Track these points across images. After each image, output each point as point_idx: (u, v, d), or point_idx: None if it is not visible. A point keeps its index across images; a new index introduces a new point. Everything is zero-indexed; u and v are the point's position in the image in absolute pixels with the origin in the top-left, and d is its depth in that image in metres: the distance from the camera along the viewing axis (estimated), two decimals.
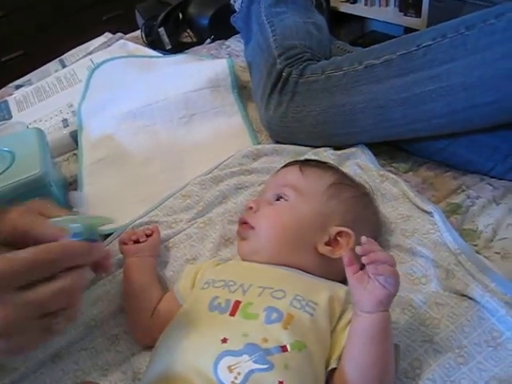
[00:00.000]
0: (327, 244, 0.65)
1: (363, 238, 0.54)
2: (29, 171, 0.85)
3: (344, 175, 0.75)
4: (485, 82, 0.77)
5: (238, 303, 0.57)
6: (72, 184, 1.04)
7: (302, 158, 0.87)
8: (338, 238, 0.65)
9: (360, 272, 0.53)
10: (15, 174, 0.85)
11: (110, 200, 0.96)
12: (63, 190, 0.99)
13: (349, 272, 0.54)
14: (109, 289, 0.74)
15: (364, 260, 0.52)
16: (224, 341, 0.53)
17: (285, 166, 0.78)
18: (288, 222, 0.66)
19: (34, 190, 0.85)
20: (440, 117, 0.83)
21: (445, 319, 0.62)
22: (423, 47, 0.82)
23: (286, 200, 0.68)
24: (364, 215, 0.70)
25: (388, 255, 0.53)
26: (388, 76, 0.85)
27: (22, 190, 0.84)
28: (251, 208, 0.69)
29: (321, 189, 0.69)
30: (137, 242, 0.75)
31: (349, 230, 0.64)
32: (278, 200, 0.69)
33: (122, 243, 0.75)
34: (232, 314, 0.56)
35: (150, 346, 0.67)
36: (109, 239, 0.84)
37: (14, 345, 0.44)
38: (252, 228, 0.68)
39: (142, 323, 0.67)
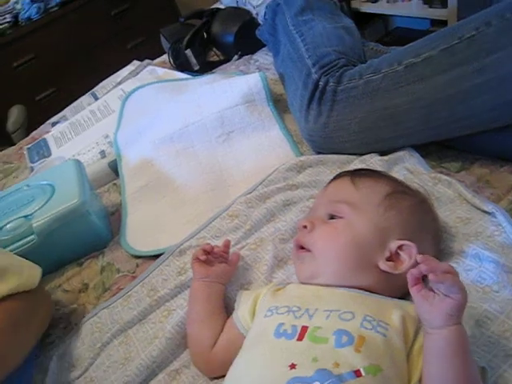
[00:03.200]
0: (389, 259, 0.61)
1: (419, 257, 0.51)
2: (68, 201, 0.87)
3: (398, 182, 0.71)
4: None
5: (305, 328, 0.54)
6: (114, 214, 1.04)
7: (351, 168, 0.84)
8: (399, 252, 0.61)
9: (424, 289, 0.51)
10: (55, 206, 0.87)
11: (156, 224, 0.96)
12: (104, 220, 0.99)
13: (414, 291, 0.52)
14: (164, 325, 0.73)
15: (422, 268, 0.50)
16: (292, 366, 0.50)
17: (334, 178, 0.74)
18: (346, 242, 0.62)
19: (74, 219, 0.87)
20: (490, 110, 0.79)
21: None
22: (466, 39, 0.78)
23: (341, 217, 0.65)
24: (424, 224, 0.66)
25: (448, 265, 0.51)
26: (431, 74, 0.81)
27: (63, 221, 0.86)
28: (305, 227, 0.66)
29: (376, 200, 0.65)
30: (208, 253, 0.71)
31: (410, 243, 0.60)
32: (332, 218, 0.66)
33: (195, 259, 0.71)
34: (300, 339, 0.53)
35: (212, 378, 0.65)
36: (157, 261, 0.83)
37: None
38: (309, 251, 0.64)
39: (205, 353, 0.65)
